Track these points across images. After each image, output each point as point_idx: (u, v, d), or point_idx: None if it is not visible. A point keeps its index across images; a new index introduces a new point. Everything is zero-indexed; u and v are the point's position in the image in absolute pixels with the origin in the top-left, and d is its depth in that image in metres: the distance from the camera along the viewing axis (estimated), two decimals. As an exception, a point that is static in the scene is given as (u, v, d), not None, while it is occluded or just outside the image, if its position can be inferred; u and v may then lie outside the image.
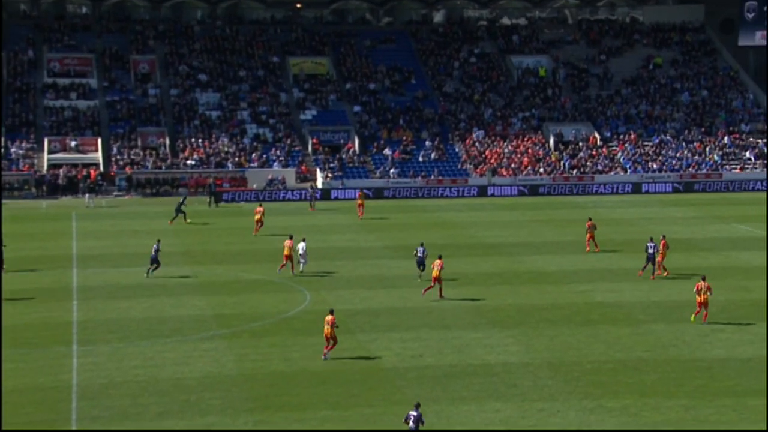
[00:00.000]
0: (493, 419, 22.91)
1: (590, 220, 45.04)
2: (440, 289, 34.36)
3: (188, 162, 67.20)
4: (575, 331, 30.01)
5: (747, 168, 69.33)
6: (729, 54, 79.57)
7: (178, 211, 51.36)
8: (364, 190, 59.38)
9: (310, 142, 70.32)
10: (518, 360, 27.25)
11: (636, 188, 66.29)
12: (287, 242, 38.66)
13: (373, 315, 32.32)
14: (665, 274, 37.59)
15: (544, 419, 22.84)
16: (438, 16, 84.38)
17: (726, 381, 25.18)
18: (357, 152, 69.97)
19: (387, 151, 69.86)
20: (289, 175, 66.75)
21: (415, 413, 20.67)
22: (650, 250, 37.42)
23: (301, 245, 38.61)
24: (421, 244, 37.93)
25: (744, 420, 22.20)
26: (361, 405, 23.93)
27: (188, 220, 51.25)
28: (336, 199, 63.72)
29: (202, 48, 76.62)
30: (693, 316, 31.04)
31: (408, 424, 20.72)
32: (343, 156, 69.23)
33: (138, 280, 37.90)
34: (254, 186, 64.80)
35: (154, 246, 38.43)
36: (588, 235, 43.58)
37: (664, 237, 38.71)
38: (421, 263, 37.31)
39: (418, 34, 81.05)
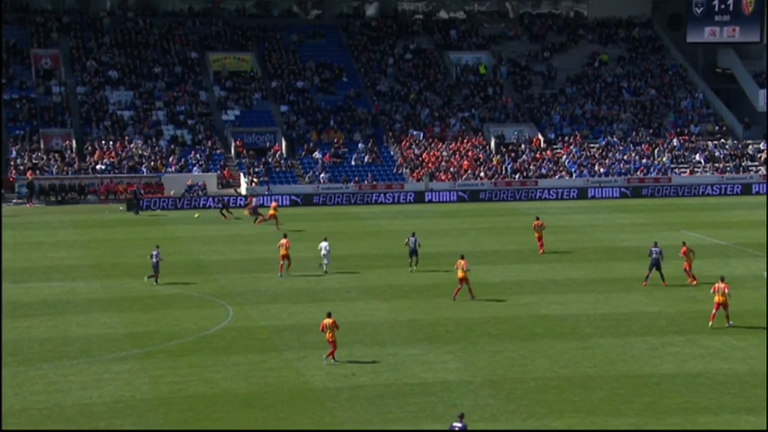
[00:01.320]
0: (430, 442, 22.99)
1: (537, 219, 46.14)
2: (470, 290, 36.07)
3: (98, 166, 66.13)
4: (518, 347, 30.30)
5: (697, 172, 70.99)
6: (677, 51, 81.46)
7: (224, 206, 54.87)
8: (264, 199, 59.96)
9: (233, 145, 69.82)
10: (458, 378, 27.39)
11: (582, 193, 67.36)
12: (283, 241, 40.32)
13: (302, 331, 32.19)
14: (694, 282, 38.41)
15: (485, 441, 22.99)
16: (371, 9, 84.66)
17: (676, 398, 25.67)
18: (284, 156, 69.71)
19: (317, 155, 69.77)
20: (211, 180, 66.15)
21: (459, 424, 20.79)
22: (654, 256, 38.13)
23: (324, 244, 40.57)
24: (413, 234, 41.29)
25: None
26: (289, 429, 23.77)
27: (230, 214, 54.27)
28: (262, 206, 63.33)
29: (112, 42, 75.54)
30: (710, 321, 31.74)
31: None
32: (269, 160, 68.91)
33: (40, 296, 37.10)
34: (172, 192, 64.08)
35: (154, 252, 39.20)
36: (537, 236, 45.24)
37: (684, 243, 39.58)
38: (413, 253, 40.75)
39: (350, 28, 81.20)
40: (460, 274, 35.90)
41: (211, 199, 63.16)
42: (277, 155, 69.44)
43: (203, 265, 43.18)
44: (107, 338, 31.29)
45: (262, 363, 28.69)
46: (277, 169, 68.33)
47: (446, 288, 38.33)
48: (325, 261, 40.70)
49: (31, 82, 71.31)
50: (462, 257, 36.56)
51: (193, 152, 68.43)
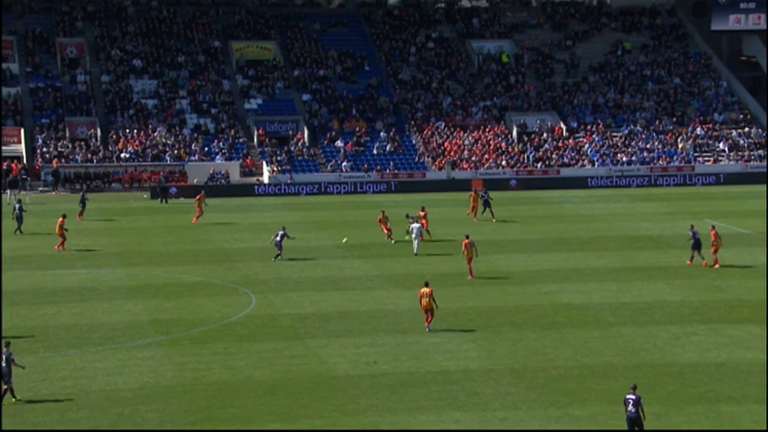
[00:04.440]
0: (452, 430, 23.01)
1: (474, 191, 50.94)
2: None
3: (122, 155, 66.53)
4: (540, 335, 30.26)
5: (721, 160, 70.50)
6: (701, 39, 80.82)
7: (83, 204, 51.96)
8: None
9: (255, 134, 70.01)
10: (479, 366, 27.40)
11: (604, 182, 67.05)
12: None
13: (324, 319, 32.29)
14: (716, 266, 39.09)
15: (507, 429, 22.99)
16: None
17: (698, 387, 25.56)
18: (306, 144, 69.82)
19: (339, 143, 69.84)
20: (233, 168, 66.43)
21: (633, 396, 21.25)
22: (697, 237, 39.35)
23: (415, 226, 42.34)
24: (417, 221, 43.23)
25: (717, 428, 22.54)
26: (312, 416, 23.89)
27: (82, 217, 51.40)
28: (284, 194, 63.55)
29: (136, 31, 75.83)
30: None
31: (627, 408, 21.31)
32: (292, 148, 69.04)
33: (66, 283, 37.42)
34: (195, 181, 64.38)
35: (280, 233, 41.22)
36: (472, 204, 50.27)
37: (713, 227, 40.51)
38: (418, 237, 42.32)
39: (372, 17, 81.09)
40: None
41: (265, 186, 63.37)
42: (299, 144, 69.54)
43: (226, 254, 43.38)
44: (132, 325, 31.53)
45: (284, 350, 28.83)
46: (300, 158, 68.46)
47: (467, 276, 38.31)
48: (416, 242, 41.92)
49: (57, 70, 71.75)
50: (467, 236, 37.68)
51: (216, 141, 68.68)
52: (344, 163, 67.69)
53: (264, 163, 67.23)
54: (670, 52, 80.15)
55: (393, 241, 44.53)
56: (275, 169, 66.41)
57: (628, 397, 21.55)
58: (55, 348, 29.01)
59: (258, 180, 65.94)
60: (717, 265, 39.19)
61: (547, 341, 29.63)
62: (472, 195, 52.48)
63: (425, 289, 30.45)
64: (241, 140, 69.51)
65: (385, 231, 44.96)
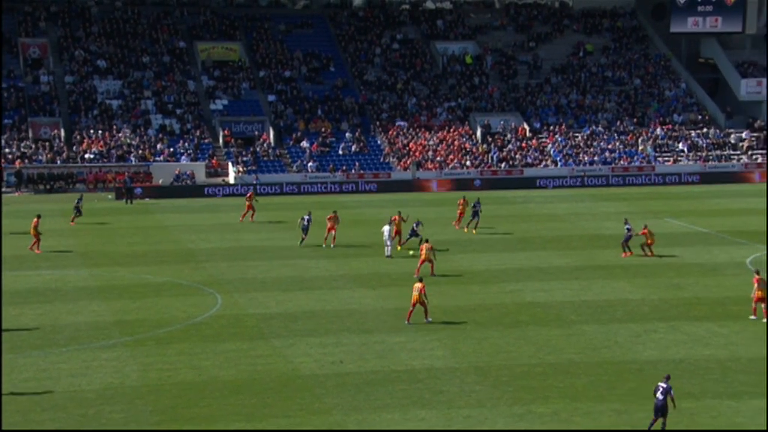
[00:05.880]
0: (417, 428, 23.03)
1: (464, 198, 49.57)
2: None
3: (86, 155, 65.88)
4: (504, 333, 30.38)
5: (680, 160, 71.22)
6: (661, 41, 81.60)
7: (77, 209, 50.76)
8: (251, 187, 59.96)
9: (221, 134, 69.65)
10: (444, 365, 27.45)
11: (567, 182, 67.48)
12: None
13: (290, 319, 32.20)
14: (650, 254, 41.11)
15: (471, 427, 23.05)
16: (358, 0, 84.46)
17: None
18: (272, 145, 69.59)
19: (304, 144, 69.68)
20: (199, 169, 66.01)
21: (664, 384, 21.91)
22: (630, 232, 41.49)
23: (386, 228, 41.93)
24: (419, 223, 43.38)
25: (677, 424, 22.75)
26: (277, 416, 23.81)
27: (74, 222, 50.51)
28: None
29: (100, 31, 75.15)
30: (753, 315, 31.73)
31: (656, 395, 21.94)
32: (258, 149, 68.77)
33: (30, 284, 36.97)
34: (160, 181, 63.91)
35: (306, 217, 43.01)
36: (460, 212, 48.76)
37: (646, 226, 42.22)
38: (413, 234, 42.31)
39: (337, 18, 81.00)
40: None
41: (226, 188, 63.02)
42: (265, 144, 69.29)
43: (192, 254, 43.11)
44: (96, 326, 31.23)
45: (250, 350, 28.70)
46: (265, 158, 68.20)
47: (431, 277, 38.36)
48: (388, 243, 41.66)
49: (20, 71, 70.90)
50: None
51: (181, 141, 68.21)
52: (310, 164, 67.54)
53: (230, 163, 66.89)
54: (630, 54, 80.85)
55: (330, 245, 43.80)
56: (241, 169, 66.10)
57: (659, 384, 22.24)
58: (18, 349, 28.65)
59: (224, 180, 65.61)
60: (651, 255, 41.09)
61: (510, 339, 29.75)
62: (461, 202, 50.02)
63: (418, 284, 31.23)
64: (206, 141, 69.11)
65: (330, 232, 43.83)
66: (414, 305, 31.20)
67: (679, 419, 22.84)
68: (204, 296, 35.30)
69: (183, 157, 66.97)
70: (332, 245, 43.61)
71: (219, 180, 65.38)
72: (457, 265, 40.55)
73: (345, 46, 78.57)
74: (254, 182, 62.49)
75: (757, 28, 79.17)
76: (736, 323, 31.25)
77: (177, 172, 64.86)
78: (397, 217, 43.65)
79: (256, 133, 70.23)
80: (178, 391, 25.31)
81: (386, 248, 42.00)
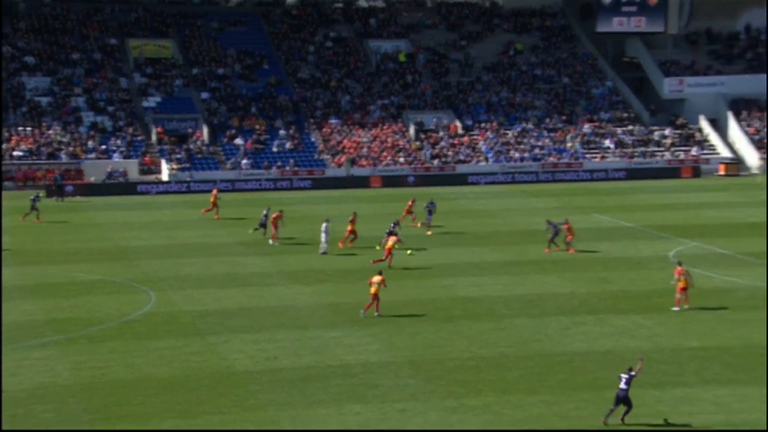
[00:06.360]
0: (352, 422, 23.06)
1: (414, 200, 49.54)
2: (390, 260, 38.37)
3: (15, 153, 64.44)
4: (437, 328, 30.56)
5: (607, 157, 72.42)
6: (588, 41, 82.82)
7: (33, 207, 49.59)
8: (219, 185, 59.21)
9: (153, 132, 68.74)
10: (379, 359, 27.52)
11: (498, 178, 68.13)
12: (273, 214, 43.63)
13: (225, 316, 31.95)
14: (570, 251, 41.54)
15: (405, 420, 23.16)
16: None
17: (587, 375, 26.20)
18: (206, 142, 68.93)
19: (239, 141, 69.15)
20: (132, 166, 65.09)
21: (626, 375, 22.60)
22: (556, 229, 41.97)
23: (324, 224, 41.60)
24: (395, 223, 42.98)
25: (603, 414, 23.15)
26: (210, 412, 23.60)
27: (39, 219, 49.41)
28: (185, 192, 62.60)
29: (28, 27, 73.57)
30: (676, 305, 32.33)
31: (619, 385, 22.46)
32: (191, 146, 68.05)
33: (-41, 284, 36.07)
34: (92, 179, 62.86)
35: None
36: (407, 209, 48.64)
37: (567, 221, 42.74)
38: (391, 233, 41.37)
39: (270, 16, 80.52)
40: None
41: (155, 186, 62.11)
42: (198, 142, 68.60)
43: (125, 251, 42.51)
44: (28, 325, 30.60)
45: (184, 347, 28.42)
46: (199, 156, 67.52)
47: (368, 272, 38.42)
48: (324, 241, 41.47)
49: (-54, 67, 69.12)
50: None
51: (113, 138, 67.16)
52: (244, 161, 67.06)
53: (163, 161, 66.06)
54: (559, 52, 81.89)
55: (276, 243, 43.76)
56: (174, 167, 65.34)
57: (621, 375, 22.74)
58: (-53, 350, 27.94)
59: (157, 178, 64.79)
60: (572, 251, 41.53)
61: (443, 334, 29.95)
62: (410, 203, 49.22)
63: (377, 277, 31.47)
64: (139, 138, 68.14)
65: (273, 229, 44.02)
66: (374, 298, 31.35)
67: (604, 408, 23.25)
68: (137, 294, 34.84)
69: (115, 155, 65.93)
70: (277, 243, 43.37)
71: (152, 177, 64.57)
72: (392, 260, 40.61)
73: (278, 43, 78.16)
74: (188, 178, 61.78)
75: (678, 29, 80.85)
76: (660, 315, 31.90)
77: (109, 169, 63.84)
78: (354, 217, 43.56)
79: (190, 130, 69.47)
80: (111, 390, 24.94)
81: (321, 245, 41.88)
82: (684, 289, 32.25)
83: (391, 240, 39.06)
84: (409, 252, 40.81)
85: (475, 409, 23.80)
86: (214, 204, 51.26)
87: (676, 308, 32.49)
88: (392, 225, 42.83)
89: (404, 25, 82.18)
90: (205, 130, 69.42)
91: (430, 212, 47.55)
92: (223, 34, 77.52)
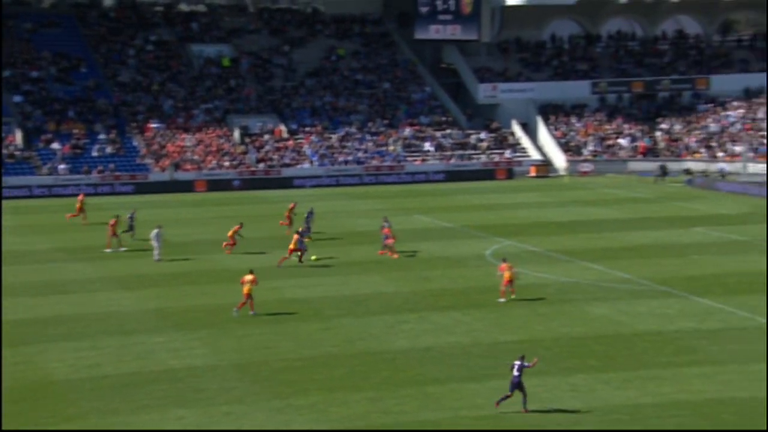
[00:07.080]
0: (176, 426, 22.53)
1: (294, 203, 48.89)
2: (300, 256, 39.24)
3: None
4: (265, 330, 30.33)
5: (427, 160, 74.07)
6: (407, 47, 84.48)
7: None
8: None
9: (-37, 136, 65.01)
10: (204, 363, 27.03)
11: (323, 181, 68.43)
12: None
13: (42, 324, 30.55)
14: (395, 256, 41.26)
15: (231, 423, 22.84)
16: (108, 0, 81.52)
17: (409, 371, 26.63)
18: (20, 146, 65.75)
19: (55, 145, 66.37)
20: (-62, 172, 61.23)
21: (518, 362, 22.95)
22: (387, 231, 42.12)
23: (154, 232, 40.24)
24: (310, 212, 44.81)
25: (424, 408, 23.60)
26: (27, 424, 22.49)
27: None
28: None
29: None
30: (501, 297, 33.24)
31: (512, 372, 22.89)
32: (4, 151, 64.74)
33: None
34: None
35: (129, 215, 42.72)
36: (287, 216, 47.57)
37: (387, 223, 43.01)
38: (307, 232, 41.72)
39: (86, 18, 77.79)
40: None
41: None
42: (11, 146, 65.35)
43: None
44: None
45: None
46: (12, 161, 64.33)
47: (193, 276, 37.72)
48: (156, 246, 40.29)
49: None
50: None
51: None
52: (62, 166, 64.42)
53: (-26, 166, 62.55)
54: (379, 58, 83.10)
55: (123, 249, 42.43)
56: (-14, 172, 61.98)
57: (515, 362, 23.11)
58: None
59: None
60: (396, 256, 41.29)
61: (271, 335, 29.75)
62: (290, 207, 48.56)
63: (248, 276, 31.51)
64: (-53, 143, 64.27)
65: (112, 237, 42.58)
66: (247, 297, 31.19)
67: (425, 403, 23.72)
68: (-54, 306, 32.76)
69: None
70: (120, 249, 42.15)
71: None
72: (218, 264, 40.06)
73: (96, 46, 75.58)
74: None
75: (491, 37, 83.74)
76: (478, 311, 32.83)
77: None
78: (238, 227, 42.64)
79: (3, 134, 66.07)
80: None
81: (154, 252, 40.59)
82: (510, 281, 33.49)
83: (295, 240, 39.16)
84: (313, 257, 40.20)
85: (301, 408, 23.75)
86: (81, 209, 49.24)
87: (502, 299, 33.61)
88: (305, 224, 43.93)
89: (227, 29, 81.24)
90: (19, 135, 66.21)
91: (308, 221, 45.72)
92: (37, 36, 74.26)
